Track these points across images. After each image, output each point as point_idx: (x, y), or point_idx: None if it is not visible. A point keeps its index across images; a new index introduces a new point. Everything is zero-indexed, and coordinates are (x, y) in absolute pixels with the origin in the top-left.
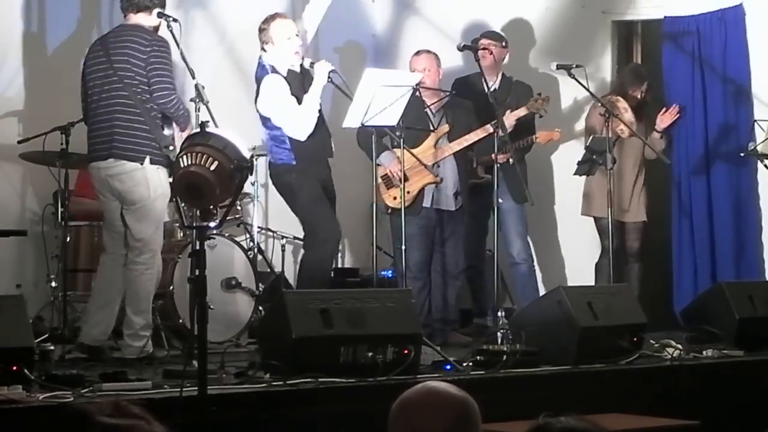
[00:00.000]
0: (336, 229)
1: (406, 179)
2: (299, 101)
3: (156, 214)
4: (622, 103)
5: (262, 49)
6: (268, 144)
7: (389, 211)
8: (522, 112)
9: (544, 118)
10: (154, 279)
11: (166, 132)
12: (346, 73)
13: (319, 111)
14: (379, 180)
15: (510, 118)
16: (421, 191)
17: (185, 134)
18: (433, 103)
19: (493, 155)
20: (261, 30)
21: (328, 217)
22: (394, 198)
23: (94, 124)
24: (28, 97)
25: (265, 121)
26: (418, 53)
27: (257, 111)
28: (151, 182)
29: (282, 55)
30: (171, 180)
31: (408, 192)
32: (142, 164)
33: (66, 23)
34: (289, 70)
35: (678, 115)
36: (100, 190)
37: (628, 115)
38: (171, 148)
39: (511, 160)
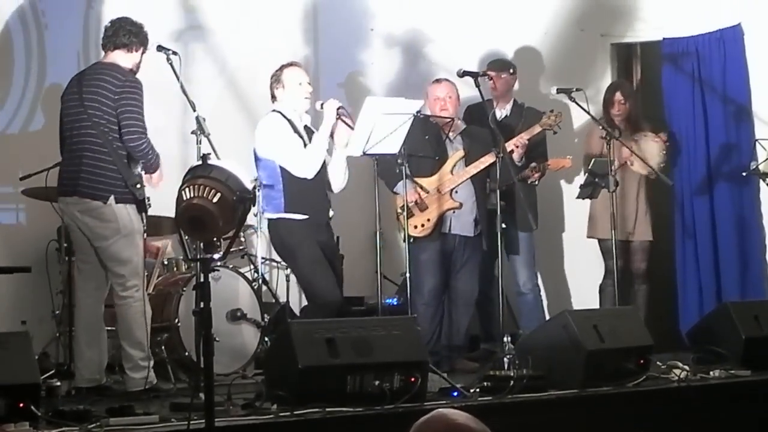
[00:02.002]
0: (335, 293)
1: (425, 207)
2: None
3: (131, 248)
4: (654, 139)
5: (273, 97)
6: (262, 191)
7: (412, 240)
8: (536, 129)
9: (558, 143)
10: (143, 310)
11: (134, 170)
12: (349, 104)
13: (325, 172)
14: (399, 210)
15: (522, 138)
16: (441, 218)
17: (154, 176)
18: (444, 124)
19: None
20: (273, 76)
21: (327, 281)
22: (415, 227)
23: (65, 160)
24: (29, 133)
25: (258, 163)
26: (438, 80)
27: (254, 153)
28: (120, 218)
29: (291, 99)
30: (174, 213)
31: (428, 219)
32: (106, 203)
33: (67, 58)
34: (291, 121)
35: (668, 142)
36: (68, 224)
37: (654, 145)
38: (138, 185)
39: (537, 182)
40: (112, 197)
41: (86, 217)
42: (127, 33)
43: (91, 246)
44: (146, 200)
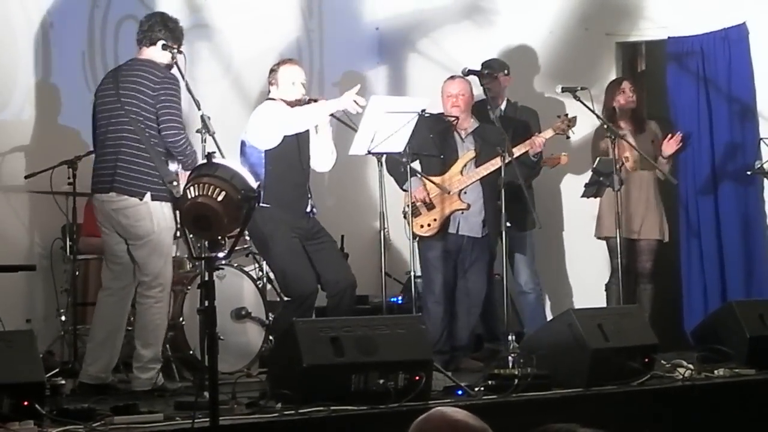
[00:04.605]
0: (312, 284)
1: (432, 207)
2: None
3: (163, 247)
4: (630, 140)
5: (269, 90)
6: None
7: (416, 239)
8: (549, 133)
9: (560, 141)
10: (163, 313)
11: (171, 167)
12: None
13: (306, 163)
14: (406, 208)
15: (537, 139)
16: (447, 218)
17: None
18: (453, 122)
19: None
20: (271, 71)
21: (301, 271)
22: (421, 226)
23: (100, 155)
24: (34, 131)
25: (243, 150)
26: (452, 78)
27: (241, 141)
28: (155, 216)
29: (283, 98)
30: (179, 211)
31: (434, 219)
32: (142, 199)
33: (72, 57)
34: None
35: (682, 143)
36: (102, 223)
37: (631, 140)
38: (175, 183)
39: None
40: (148, 194)
41: (120, 216)
42: (163, 28)
43: (124, 245)
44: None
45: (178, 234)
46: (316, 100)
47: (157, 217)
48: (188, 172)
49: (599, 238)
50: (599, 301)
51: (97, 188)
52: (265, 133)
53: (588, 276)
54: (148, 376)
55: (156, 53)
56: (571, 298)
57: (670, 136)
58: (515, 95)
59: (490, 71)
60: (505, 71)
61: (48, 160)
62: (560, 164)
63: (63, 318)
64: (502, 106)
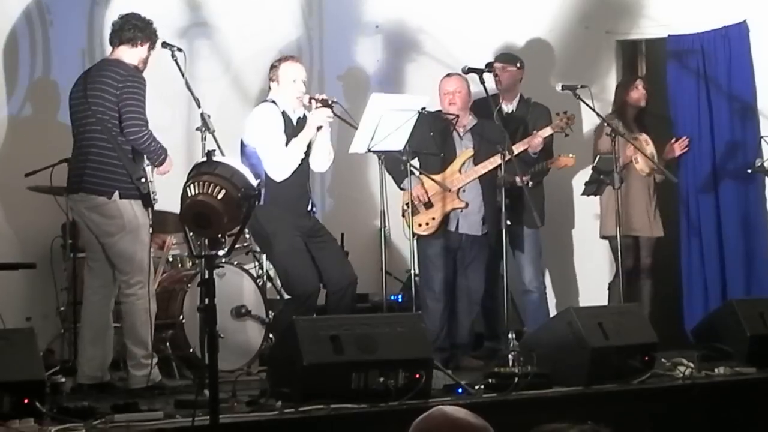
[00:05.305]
0: (312, 282)
1: (430, 205)
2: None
3: (137, 244)
4: (647, 142)
5: (269, 87)
6: None
7: (415, 237)
8: (547, 131)
9: (566, 139)
10: (146, 307)
11: (139, 164)
12: (350, 99)
13: (306, 162)
14: (404, 206)
15: (536, 138)
16: (446, 217)
17: (163, 169)
18: (451, 120)
19: (517, 177)
20: (272, 67)
21: (303, 270)
22: (420, 225)
23: (73, 157)
24: (34, 129)
25: (243, 150)
26: (449, 75)
27: (241, 141)
28: (125, 214)
29: (284, 96)
30: (179, 209)
31: (433, 218)
32: (110, 198)
33: (71, 54)
34: (284, 112)
35: (687, 148)
36: (78, 222)
37: (650, 148)
38: (143, 180)
39: (530, 183)
40: (116, 192)
41: (93, 214)
42: (133, 27)
43: (99, 243)
44: (151, 194)
45: (151, 231)
46: (316, 98)
47: (128, 214)
48: (157, 169)
49: (603, 237)
50: (606, 300)
51: (68, 188)
52: (260, 141)
53: (596, 275)
54: (144, 372)
55: (125, 53)
56: (578, 297)
57: (674, 140)
58: (529, 91)
59: (492, 65)
60: (518, 64)
61: (47, 157)
62: (567, 166)
63: (63, 316)
64: (515, 102)
